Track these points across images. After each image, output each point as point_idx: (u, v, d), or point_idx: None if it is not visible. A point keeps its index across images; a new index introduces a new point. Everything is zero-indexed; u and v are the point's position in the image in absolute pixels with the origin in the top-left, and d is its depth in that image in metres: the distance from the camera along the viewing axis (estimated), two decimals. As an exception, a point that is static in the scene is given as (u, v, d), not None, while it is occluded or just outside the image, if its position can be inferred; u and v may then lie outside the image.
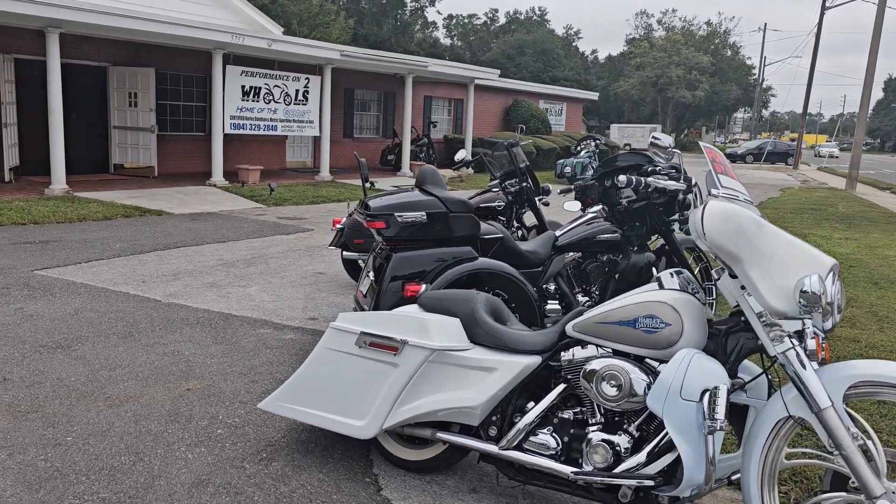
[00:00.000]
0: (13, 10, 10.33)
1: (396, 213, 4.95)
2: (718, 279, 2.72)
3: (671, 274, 2.89)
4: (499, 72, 21.35)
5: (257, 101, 14.84)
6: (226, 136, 14.93)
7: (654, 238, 5.30)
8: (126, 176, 14.72)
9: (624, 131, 53.19)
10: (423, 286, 4.78)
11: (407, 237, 5.03)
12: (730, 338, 2.74)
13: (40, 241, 8.43)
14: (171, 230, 9.65)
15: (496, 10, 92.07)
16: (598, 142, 20.34)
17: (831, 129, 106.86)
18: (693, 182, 4.86)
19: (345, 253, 6.96)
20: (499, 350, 3.12)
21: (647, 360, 2.82)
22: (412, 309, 3.50)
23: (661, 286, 2.85)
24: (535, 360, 3.03)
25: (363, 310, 5.12)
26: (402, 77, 21.42)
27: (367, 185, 14.19)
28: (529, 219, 7.30)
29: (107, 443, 3.55)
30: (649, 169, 4.87)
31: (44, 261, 7.44)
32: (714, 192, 2.68)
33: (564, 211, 5.69)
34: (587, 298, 5.51)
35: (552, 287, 5.39)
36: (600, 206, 5.47)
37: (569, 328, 2.99)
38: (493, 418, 3.11)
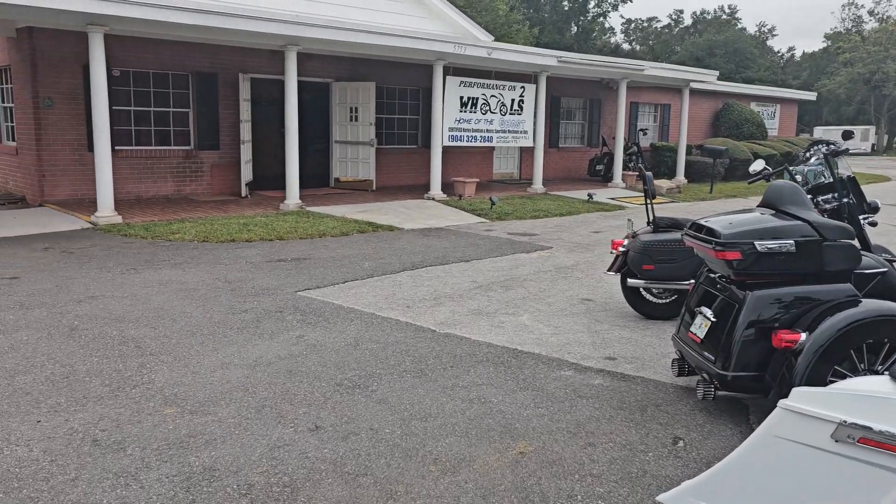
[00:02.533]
0: (260, 30, 10.56)
1: (757, 242, 3.96)
2: None
3: None
4: (717, 73, 19.58)
5: (474, 112, 14.42)
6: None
7: None
8: (345, 190, 14.89)
9: (829, 134, 47.98)
10: (802, 335, 3.75)
11: (765, 271, 4.03)
12: None
13: (292, 258, 8.34)
14: (408, 247, 9.31)
15: (681, 12, 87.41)
16: (830, 147, 17.99)
17: None
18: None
19: (629, 280, 6.07)
20: None
21: None
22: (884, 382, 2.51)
23: None
24: None
25: (696, 357, 4.18)
26: (607, 83, 20.32)
27: (587, 197, 13.09)
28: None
29: (465, 529, 2.89)
30: None
31: (302, 281, 7.25)
32: None
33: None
34: None
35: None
36: None
37: None
38: None
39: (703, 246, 4.16)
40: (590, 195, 14.73)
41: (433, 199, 13.76)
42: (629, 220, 6.41)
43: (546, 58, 14.65)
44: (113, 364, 4.69)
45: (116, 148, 11.58)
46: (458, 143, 14.42)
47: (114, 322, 5.61)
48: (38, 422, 3.79)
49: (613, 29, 75.67)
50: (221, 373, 4.60)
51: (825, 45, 70.07)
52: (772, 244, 3.96)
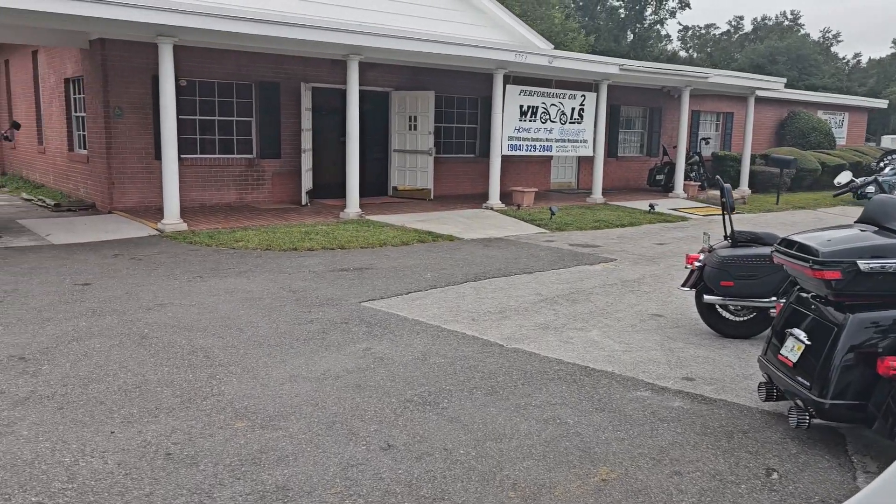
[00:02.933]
0: (324, 40, 10.62)
1: (860, 261, 3.70)
2: None
3: None
4: (784, 80, 18.94)
5: (534, 121, 14.24)
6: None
7: None
8: (403, 199, 14.88)
9: (899, 143, 46.08)
10: (912, 363, 3.48)
11: (866, 292, 3.77)
12: None
13: (354, 268, 8.30)
14: (469, 257, 9.18)
15: (741, 18, 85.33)
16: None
17: None
18: None
19: (706, 297, 5.81)
20: None
21: None
22: None
23: None
24: None
25: (787, 382, 3.94)
26: (668, 91, 19.88)
27: (649, 208, 12.72)
28: None
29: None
30: None
31: (366, 291, 7.19)
32: None
33: None
34: None
35: None
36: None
37: None
38: None
39: (797, 264, 3.92)
40: (651, 206, 14.37)
41: (492, 208, 13.62)
42: (706, 233, 6.15)
43: (607, 66, 14.39)
44: (183, 374, 4.69)
45: (182, 156, 11.79)
46: (518, 153, 14.25)
47: (182, 331, 5.64)
48: (112, 433, 3.79)
49: (670, 36, 74.26)
50: (290, 386, 4.54)
51: (893, 50, 67.44)
52: (876, 264, 3.70)
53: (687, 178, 18.36)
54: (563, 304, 6.97)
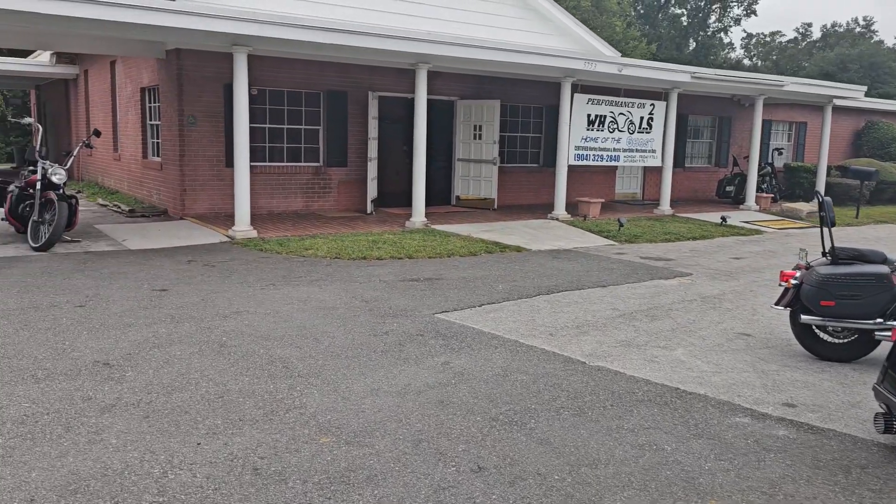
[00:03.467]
0: (394, 48, 10.60)
1: None
2: None
3: None
4: (865, 88, 18.12)
5: (601, 131, 13.95)
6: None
7: None
8: (466, 208, 14.77)
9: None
10: None
11: None
12: None
13: (424, 278, 8.20)
14: (539, 269, 8.98)
15: (809, 25, 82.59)
16: None
17: None
18: None
19: (803, 316, 5.48)
20: None
21: None
22: None
23: None
24: None
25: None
26: (738, 100, 19.28)
27: (720, 220, 12.30)
28: None
29: None
30: None
31: (438, 302, 7.07)
32: None
33: None
34: None
35: None
36: None
37: None
38: None
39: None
40: (723, 218, 13.89)
41: (557, 219, 13.38)
42: (802, 249, 5.82)
43: (679, 73, 14.00)
44: (263, 385, 4.63)
45: (251, 164, 11.93)
46: (584, 163, 13.97)
47: (260, 340, 5.61)
48: (199, 444, 3.74)
49: (732, 44, 72.44)
50: (372, 400, 4.43)
51: (976, 57, 64.35)
52: None
53: (758, 189, 17.73)
54: (643, 320, 6.71)
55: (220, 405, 4.28)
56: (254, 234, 10.27)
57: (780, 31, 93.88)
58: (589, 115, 13.76)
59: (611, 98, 14.06)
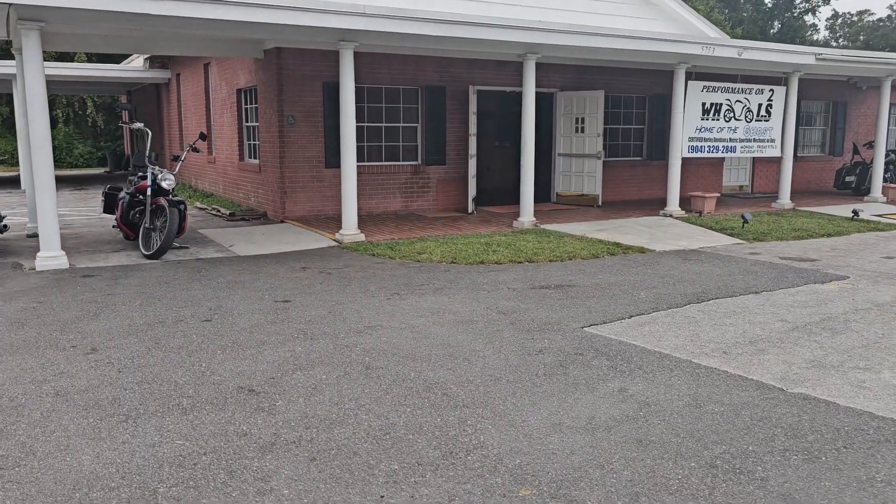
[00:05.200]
0: (503, 38, 10.00)
1: None
2: None
3: None
4: None
5: (717, 120, 12.99)
6: (663, 161, 13.32)
7: None
8: (568, 205, 14.05)
9: None
10: None
11: None
12: None
13: (555, 285, 7.58)
14: (674, 273, 8.23)
15: (902, 1, 77.80)
16: None
17: None
18: None
19: None
20: None
21: None
22: None
23: None
24: None
25: None
26: (855, 83, 17.87)
27: (852, 214, 11.10)
28: None
29: None
30: None
31: (581, 313, 6.43)
32: None
33: None
34: None
35: None
36: None
37: None
38: None
39: None
40: (855, 212, 12.73)
41: (671, 215, 12.52)
42: None
43: (803, 55, 12.91)
44: (429, 417, 4.11)
45: (352, 164, 11.54)
46: (699, 154, 13.04)
47: (406, 360, 5.10)
48: (382, 497, 3.22)
49: (816, 26, 68.73)
50: (558, 438, 3.84)
51: None
52: None
53: (882, 179, 16.33)
54: (822, 333, 5.90)
55: (390, 444, 3.76)
56: (362, 237, 9.85)
57: (868, 10, 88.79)
58: (704, 104, 12.83)
59: (728, 84, 13.08)
